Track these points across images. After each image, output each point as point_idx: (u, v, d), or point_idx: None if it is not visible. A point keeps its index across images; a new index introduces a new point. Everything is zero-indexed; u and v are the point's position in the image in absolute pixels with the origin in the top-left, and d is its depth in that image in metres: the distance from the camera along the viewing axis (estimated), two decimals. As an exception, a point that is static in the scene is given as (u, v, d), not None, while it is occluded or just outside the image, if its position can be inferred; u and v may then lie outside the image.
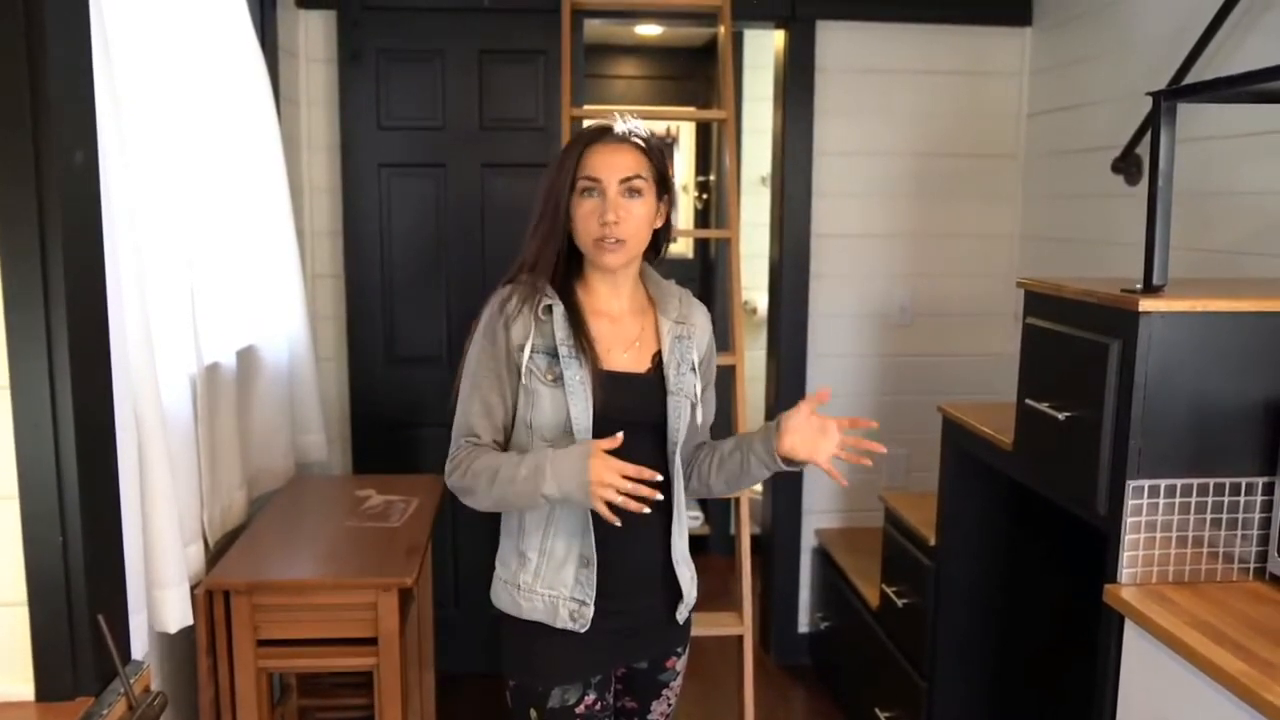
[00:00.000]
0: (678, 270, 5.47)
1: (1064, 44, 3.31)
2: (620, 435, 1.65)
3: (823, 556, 3.66)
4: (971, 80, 3.53)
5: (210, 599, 2.23)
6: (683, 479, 1.91)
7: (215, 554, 2.38)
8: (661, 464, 1.79)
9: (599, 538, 1.76)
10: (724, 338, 4.77)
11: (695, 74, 5.30)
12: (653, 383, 1.81)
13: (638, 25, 4.55)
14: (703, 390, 1.90)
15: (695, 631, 3.18)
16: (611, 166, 1.73)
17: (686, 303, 1.91)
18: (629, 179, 1.74)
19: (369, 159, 3.43)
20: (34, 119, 1.37)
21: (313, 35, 3.39)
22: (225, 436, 2.46)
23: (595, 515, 1.71)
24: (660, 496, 1.65)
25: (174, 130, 2.22)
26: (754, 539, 3.19)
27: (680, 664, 1.96)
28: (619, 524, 1.65)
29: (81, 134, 1.48)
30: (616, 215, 1.72)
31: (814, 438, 1.78)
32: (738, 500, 3.09)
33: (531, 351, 1.74)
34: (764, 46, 4.53)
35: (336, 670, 2.63)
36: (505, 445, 1.81)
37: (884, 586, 2.97)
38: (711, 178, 5.17)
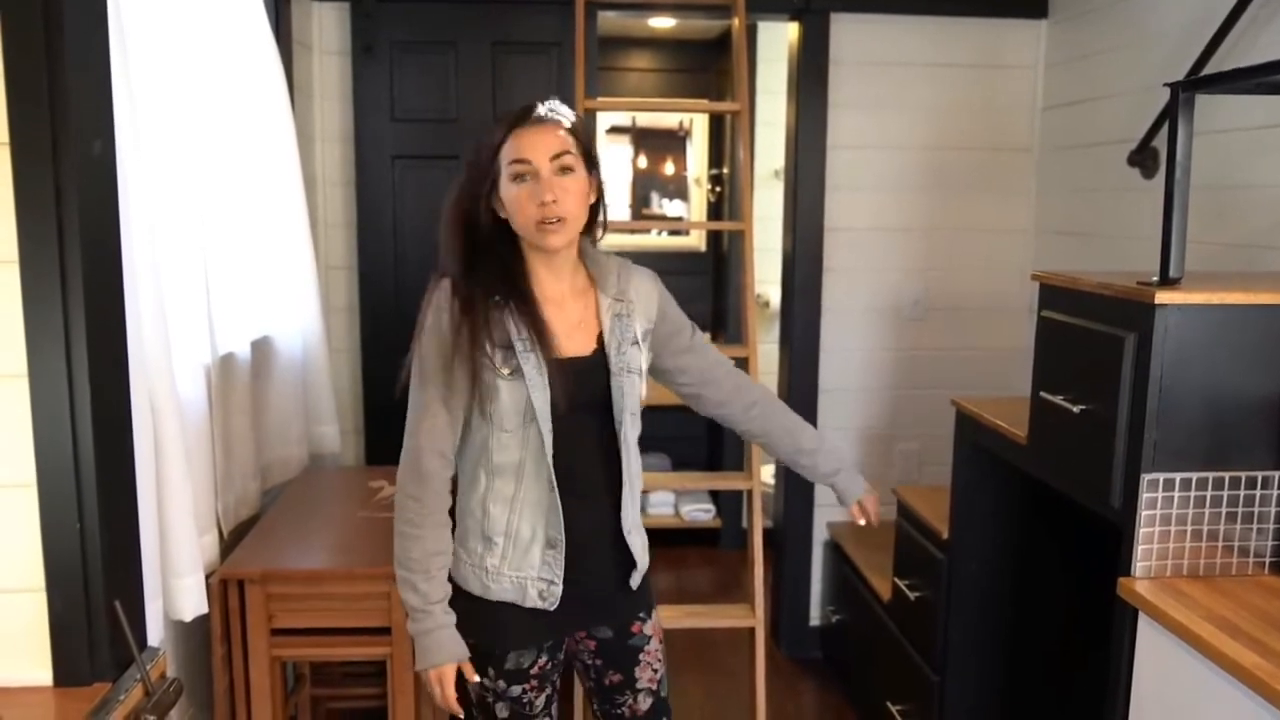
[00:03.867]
0: (691, 263, 5.47)
1: (1080, 37, 3.29)
2: (474, 676, 1.83)
3: (834, 550, 3.66)
4: (986, 73, 3.52)
5: (225, 588, 2.24)
6: (735, 424, 2.10)
7: (229, 544, 2.39)
8: (609, 440, 1.84)
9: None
10: (737, 330, 4.78)
11: (709, 67, 5.29)
12: (598, 364, 1.83)
13: (651, 18, 4.55)
14: (675, 342, 1.96)
15: (706, 623, 3.20)
16: (539, 147, 1.73)
17: (625, 275, 1.91)
18: (559, 155, 1.73)
19: (382, 151, 3.44)
20: (52, 110, 1.38)
21: (326, 27, 3.39)
22: (239, 427, 2.47)
23: (562, 497, 1.78)
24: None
25: (189, 122, 2.23)
26: (766, 532, 3.19)
27: (649, 628, 1.99)
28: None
29: (99, 125, 1.49)
30: (554, 194, 1.71)
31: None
32: (750, 493, 3.09)
33: (488, 346, 1.74)
34: (777, 39, 4.52)
35: (349, 659, 2.64)
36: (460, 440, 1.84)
37: (896, 580, 2.97)
38: (725, 171, 5.16)
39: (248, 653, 2.25)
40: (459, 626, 1.82)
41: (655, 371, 1.98)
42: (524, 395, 1.75)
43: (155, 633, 1.83)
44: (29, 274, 1.40)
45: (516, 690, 1.87)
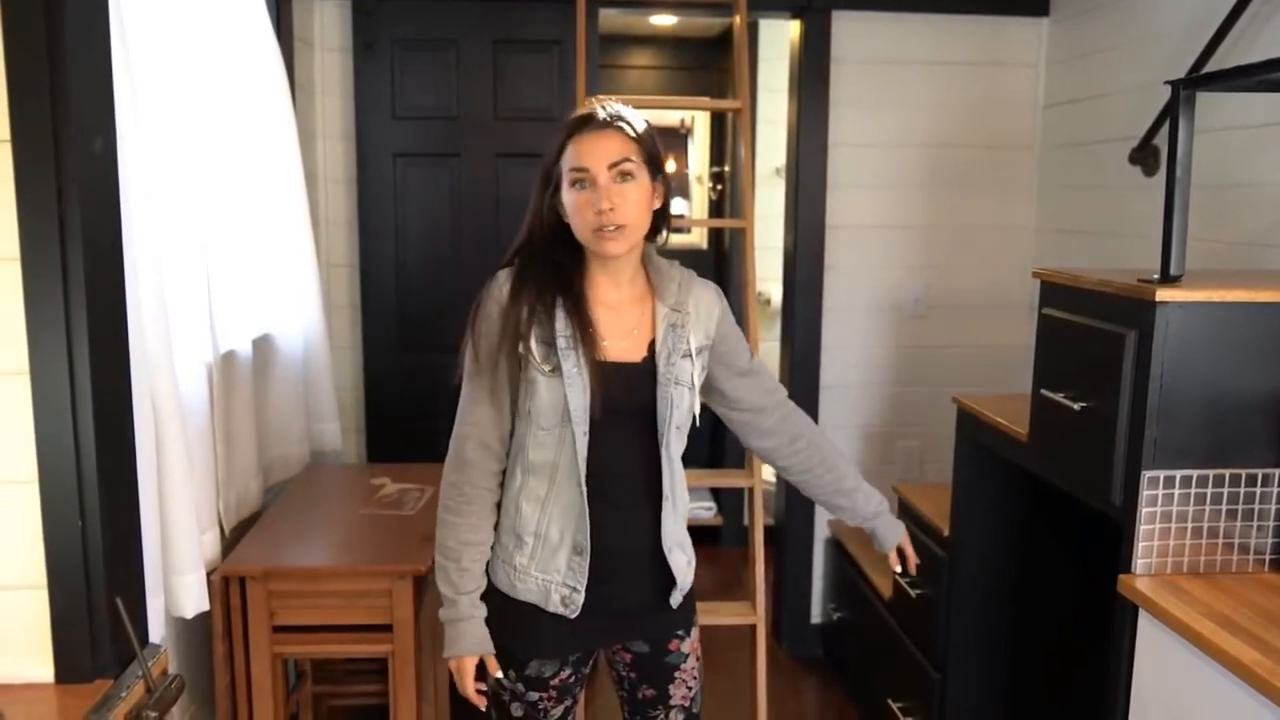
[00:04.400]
0: (691, 261, 5.45)
1: (1081, 35, 3.29)
2: (496, 672, 1.82)
3: (835, 547, 3.66)
4: (987, 71, 3.51)
5: (226, 585, 2.24)
6: (778, 458, 2.02)
7: (231, 541, 2.40)
8: (653, 451, 1.81)
9: (593, 525, 1.78)
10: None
11: (710, 65, 5.29)
12: (646, 371, 1.81)
13: (653, 15, 4.55)
14: (728, 364, 1.91)
15: (707, 621, 3.20)
16: (598, 153, 1.71)
17: (686, 286, 1.88)
18: (618, 163, 1.71)
19: (383, 148, 3.44)
20: (54, 108, 1.38)
21: (328, 24, 3.40)
22: (241, 424, 2.48)
23: (591, 502, 1.75)
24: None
25: (191, 120, 2.24)
26: (767, 530, 3.19)
27: (686, 646, 1.95)
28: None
29: (100, 122, 1.49)
30: (610, 202, 1.70)
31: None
32: (751, 491, 3.09)
33: (532, 341, 1.74)
34: (779, 38, 4.52)
35: (351, 656, 2.64)
36: (510, 437, 1.83)
37: (897, 577, 2.97)
38: (726, 169, 5.16)
39: (249, 650, 2.25)
40: (491, 622, 1.82)
41: (707, 391, 1.93)
42: (561, 394, 1.73)
43: (157, 630, 1.84)
44: (30, 271, 1.41)
45: (534, 696, 1.86)
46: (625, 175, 1.72)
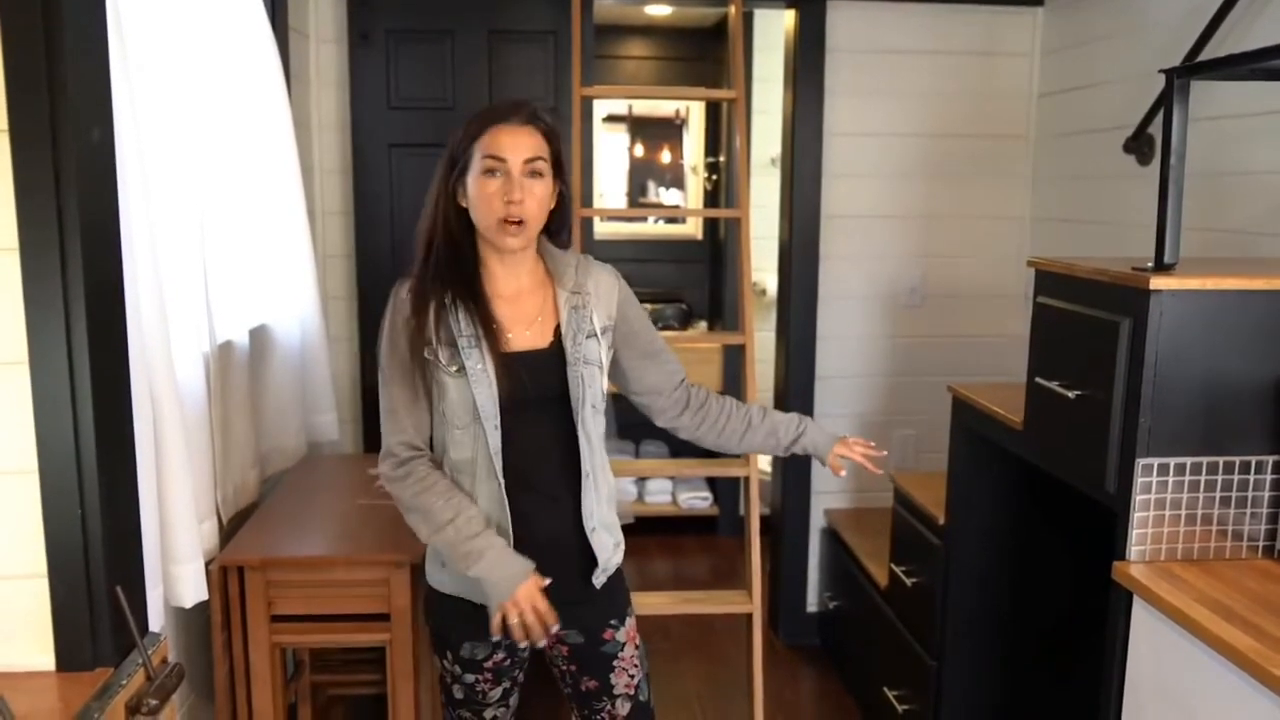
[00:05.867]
0: (688, 251, 5.48)
1: (1076, 24, 3.30)
2: (548, 580, 1.77)
3: (832, 537, 3.67)
4: (983, 61, 3.52)
5: (225, 575, 2.25)
6: (683, 430, 2.04)
7: (229, 531, 2.40)
8: (571, 435, 1.84)
9: (517, 514, 1.81)
10: (734, 318, 4.79)
11: (705, 55, 5.28)
12: (554, 355, 1.84)
13: (648, 5, 4.53)
14: (634, 344, 1.94)
15: (703, 609, 3.22)
16: (517, 146, 1.75)
17: (583, 270, 1.91)
18: (531, 160, 1.76)
19: (379, 139, 3.44)
20: (51, 98, 1.38)
21: (323, 15, 3.39)
22: (238, 414, 2.48)
23: (514, 492, 1.79)
24: (555, 628, 1.76)
25: (187, 110, 2.23)
26: (763, 519, 3.20)
27: (622, 634, 1.96)
28: (499, 636, 1.78)
29: (98, 112, 1.49)
30: (521, 194, 1.74)
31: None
32: (747, 480, 3.10)
33: (435, 344, 1.78)
34: (774, 27, 4.52)
35: (349, 645, 2.65)
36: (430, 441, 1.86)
37: (893, 566, 2.98)
38: (721, 159, 5.16)
39: (248, 639, 2.26)
40: (428, 609, 1.88)
41: (610, 372, 1.96)
42: (469, 392, 1.77)
43: (156, 619, 1.84)
44: (29, 261, 1.40)
45: (470, 678, 1.91)
46: (536, 173, 1.77)
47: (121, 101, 1.67)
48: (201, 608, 2.20)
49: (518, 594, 1.73)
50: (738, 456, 3.00)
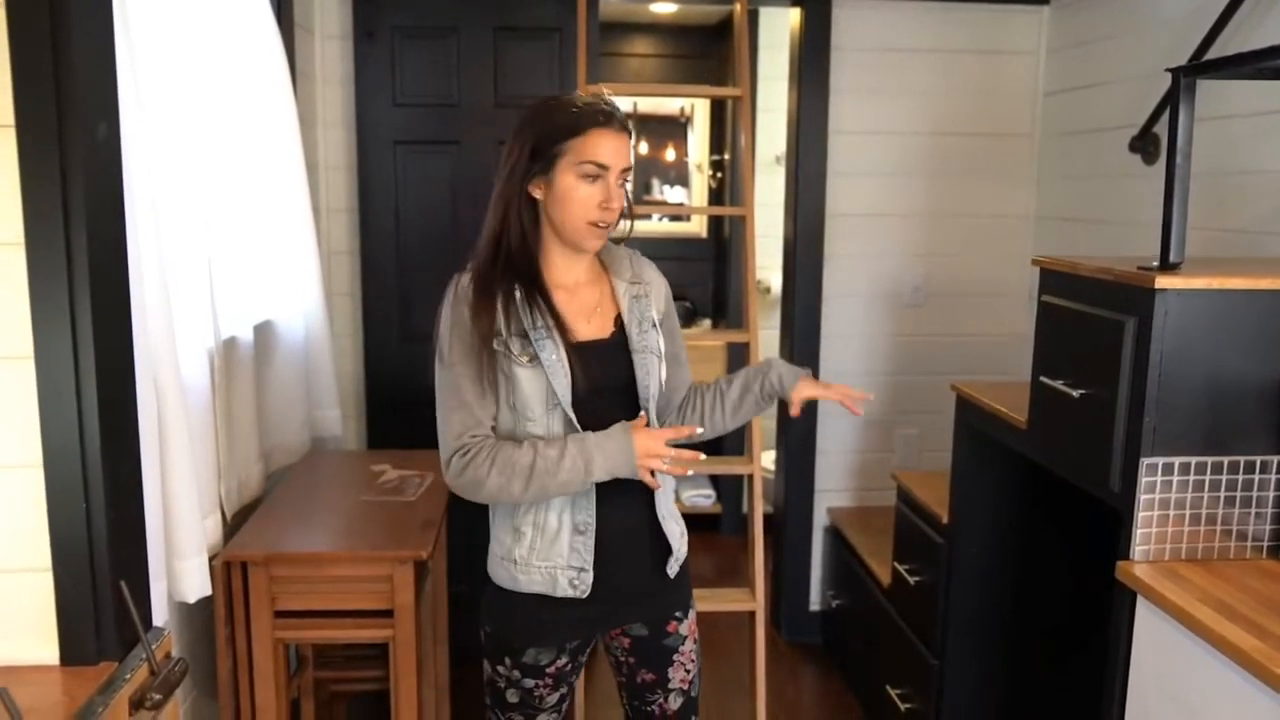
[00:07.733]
0: (692, 249, 5.48)
1: (1081, 23, 3.29)
2: (643, 414, 1.78)
3: (834, 535, 3.67)
4: (988, 59, 3.51)
5: (228, 570, 2.25)
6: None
7: (233, 526, 2.40)
8: None
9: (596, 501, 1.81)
10: (738, 316, 4.79)
11: (710, 53, 5.28)
12: (618, 346, 1.85)
13: (653, 3, 4.54)
14: (668, 345, 1.95)
15: (706, 607, 3.22)
16: (619, 154, 1.76)
17: (637, 263, 1.95)
18: (627, 169, 1.79)
19: (384, 136, 3.44)
20: (57, 93, 1.38)
21: (328, 12, 3.39)
22: (242, 410, 2.48)
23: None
24: (703, 456, 1.77)
25: (192, 106, 2.23)
26: (766, 517, 3.20)
27: (684, 628, 1.98)
28: (660, 487, 1.78)
29: (104, 108, 1.49)
30: (619, 202, 1.77)
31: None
32: (750, 478, 3.10)
33: (505, 335, 1.76)
34: (779, 25, 4.52)
35: (352, 641, 2.65)
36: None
37: (896, 564, 2.98)
38: (726, 157, 5.16)
39: (251, 635, 2.26)
40: (491, 613, 1.86)
41: None
42: (544, 382, 1.76)
43: (160, 614, 1.84)
44: (35, 256, 1.41)
45: (530, 683, 1.88)
46: (626, 182, 1.80)
47: (127, 97, 1.67)
48: (205, 603, 2.20)
49: (637, 452, 1.72)
50: (741, 454, 3.00)
